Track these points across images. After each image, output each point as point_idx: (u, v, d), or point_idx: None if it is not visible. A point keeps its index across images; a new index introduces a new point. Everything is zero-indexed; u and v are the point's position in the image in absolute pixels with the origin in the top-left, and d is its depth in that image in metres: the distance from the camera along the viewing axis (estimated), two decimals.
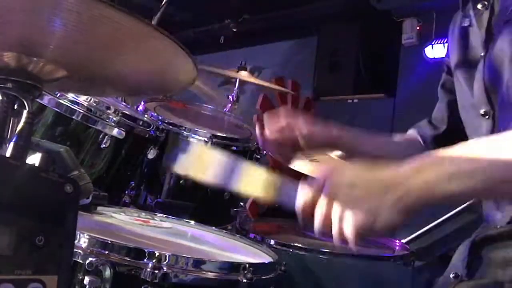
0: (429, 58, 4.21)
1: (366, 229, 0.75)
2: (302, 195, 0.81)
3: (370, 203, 0.74)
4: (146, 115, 1.72)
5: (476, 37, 1.02)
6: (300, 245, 1.40)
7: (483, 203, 1.00)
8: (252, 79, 2.62)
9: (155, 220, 1.38)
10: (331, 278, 1.31)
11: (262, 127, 1.09)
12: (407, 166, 0.76)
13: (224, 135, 1.81)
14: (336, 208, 0.77)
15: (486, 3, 1.01)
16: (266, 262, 1.12)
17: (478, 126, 0.99)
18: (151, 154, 1.66)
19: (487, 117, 0.97)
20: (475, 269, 0.89)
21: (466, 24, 1.06)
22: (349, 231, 0.75)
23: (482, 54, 0.98)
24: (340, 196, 0.77)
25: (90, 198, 1.09)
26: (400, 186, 0.74)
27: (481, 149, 0.76)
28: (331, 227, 0.78)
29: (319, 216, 0.79)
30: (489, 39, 0.98)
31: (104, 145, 1.52)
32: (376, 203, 0.74)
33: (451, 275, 0.89)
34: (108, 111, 1.51)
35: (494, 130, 0.95)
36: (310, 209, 0.80)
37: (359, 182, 0.77)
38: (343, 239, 0.77)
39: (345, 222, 0.76)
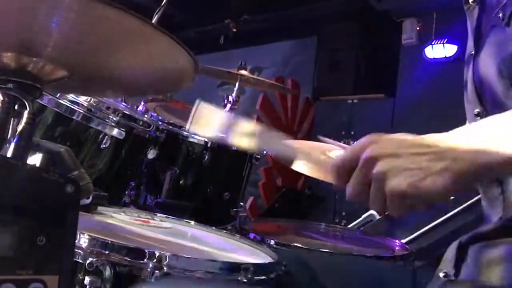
0: (429, 58, 4.21)
1: (410, 195, 0.71)
2: (342, 154, 0.79)
3: (416, 171, 0.71)
4: (146, 115, 1.72)
5: (470, 34, 0.98)
6: (300, 245, 1.40)
7: (482, 203, 1.00)
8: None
9: (155, 220, 1.38)
10: (331, 278, 1.31)
11: None
12: (453, 134, 0.74)
13: None
14: (377, 173, 0.73)
15: None
16: (266, 262, 1.12)
17: None
18: (151, 154, 1.66)
19: (479, 118, 0.93)
20: (462, 269, 0.88)
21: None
22: (390, 195, 0.72)
23: (473, 52, 0.95)
24: (383, 165, 0.73)
25: (90, 198, 1.09)
26: (446, 153, 0.71)
27: None
28: (367, 190, 0.75)
29: (356, 176, 0.76)
30: (478, 40, 0.94)
31: (104, 145, 1.52)
32: (422, 171, 0.71)
33: (441, 274, 0.89)
34: (108, 111, 1.51)
35: None
36: (346, 169, 0.77)
37: (403, 151, 0.73)
38: (380, 204, 0.74)
39: (388, 186, 0.72)
